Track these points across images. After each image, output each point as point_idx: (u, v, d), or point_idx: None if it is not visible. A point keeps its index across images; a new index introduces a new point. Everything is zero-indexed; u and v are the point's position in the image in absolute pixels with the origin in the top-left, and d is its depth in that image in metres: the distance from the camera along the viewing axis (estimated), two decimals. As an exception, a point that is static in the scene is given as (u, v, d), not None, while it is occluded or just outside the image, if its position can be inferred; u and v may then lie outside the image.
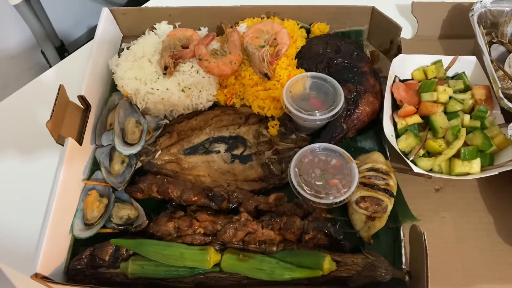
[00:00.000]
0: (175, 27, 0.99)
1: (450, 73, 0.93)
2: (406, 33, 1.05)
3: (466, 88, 0.89)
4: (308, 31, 1.00)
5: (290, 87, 0.85)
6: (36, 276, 0.66)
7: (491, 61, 0.88)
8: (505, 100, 0.82)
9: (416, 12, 1.05)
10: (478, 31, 0.91)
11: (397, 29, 0.92)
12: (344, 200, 0.73)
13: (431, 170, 0.81)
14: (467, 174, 0.79)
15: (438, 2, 1.03)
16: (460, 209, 0.81)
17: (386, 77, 0.89)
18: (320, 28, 0.99)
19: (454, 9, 1.01)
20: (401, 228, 0.77)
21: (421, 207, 0.80)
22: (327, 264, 0.69)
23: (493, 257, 0.77)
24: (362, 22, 1.00)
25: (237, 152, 0.85)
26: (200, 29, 0.99)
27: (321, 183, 0.75)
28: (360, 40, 1.01)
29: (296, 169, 0.76)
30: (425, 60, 0.93)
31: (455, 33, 1.01)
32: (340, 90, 0.84)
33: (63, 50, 1.92)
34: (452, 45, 1.01)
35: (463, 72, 0.92)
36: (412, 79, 0.93)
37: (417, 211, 0.79)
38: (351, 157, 0.77)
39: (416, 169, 0.78)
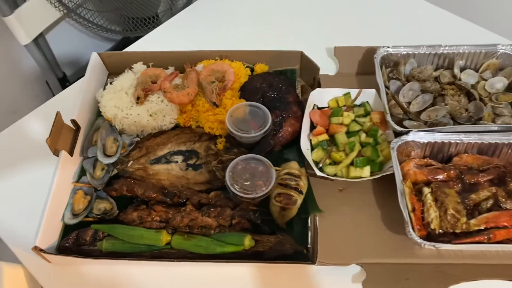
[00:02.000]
0: (148, 66, 1.27)
1: (358, 101, 1.20)
2: (331, 70, 1.33)
3: (366, 114, 1.15)
4: (252, 70, 1.28)
5: (232, 113, 1.12)
6: (35, 248, 0.92)
7: (386, 93, 1.16)
8: (391, 123, 1.08)
9: (337, 55, 1.33)
10: (378, 70, 1.18)
11: (317, 69, 1.20)
12: (263, 195, 0.99)
13: (335, 175, 1.07)
14: (360, 177, 1.05)
15: (355, 47, 1.31)
16: (357, 204, 1.05)
17: (310, 105, 1.17)
18: (261, 68, 1.26)
19: (367, 52, 1.29)
20: (310, 218, 1.03)
21: (327, 203, 1.04)
22: (247, 241, 0.94)
23: (379, 240, 0.99)
24: (295, 62, 1.28)
25: (191, 162, 1.11)
26: (168, 68, 1.27)
27: (248, 183, 1.02)
28: (294, 76, 1.29)
29: (230, 173, 1.02)
30: (338, 92, 1.20)
31: (368, 70, 1.27)
32: (269, 115, 1.11)
33: (65, 80, 2.22)
34: (366, 80, 1.28)
35: (367, 101, 1.19)
36: (328, 107, 1.20)
37: (324, 206, 1.03)
38: (271, 165, 1.03)
39: (318, 173, 1.04)
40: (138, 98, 1.15)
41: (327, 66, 1.32)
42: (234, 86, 1.20)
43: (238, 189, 0.99)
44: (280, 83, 1.20)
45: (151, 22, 1.92)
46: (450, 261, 0.97)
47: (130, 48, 1.42)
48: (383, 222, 1.03)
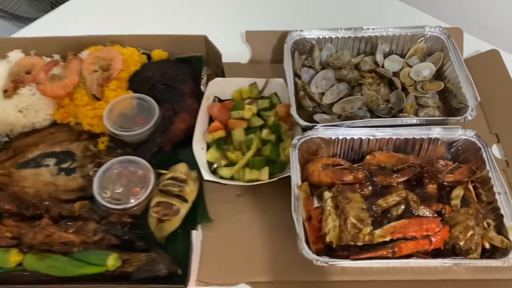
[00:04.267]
0: (29, 55, 1.10)
1: (266, 93, 1.05)
2: (243, 58, 1.18)
3: (272, 107, 1.01)
4: (149, 57, 1.12)
5: (113, 107, 0.97)
6: None
7: (295, 83, 1.01)
8: (295, 117, 0.93)
9: (249, 40, 1.18)
10: (288, 57, 1.03)
11: (218, 56, 1.05)
12: (135, 205, 0.84)
13: (232, 178, 0.93)
14: (257, 180, 0.91)
15: (269, 31, 1.15)
16: (254, 211, 0.91)
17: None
18: (158, 55, 1.10)
19: (282, 36, 1.13)
20: (199, 228, 0.88)
21: (221, 210, 0.91)
22: (111, 261, 0.79)
23: (274, 254, 0.85)
24: (200, 49, 1.12)
25: (64, 165, 0.95)
26: (52, 56, 1.10)
27: (121, 190, 0.86)
28: (200, 65, 1.13)
29: (99, 179, 0.87)
30: (243, 82, 1.05)
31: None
32: (155, 109, 0.96)
33: None
34: (281, 68, 1.13)
35: (275, 93, 1.04)
36: (232, 99, 1.05)
37: (218, 214, 0.90)
38: (150, 168, 0.88)
39: (206, 177, 0.89)
40: (5, 91, 0.98)
41: (238, 53, 1.17)
42: (122, 75, 1.04)
43: (106, 199, 0.84)
44: (175, 72, 1.04)
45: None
46: (354, 277, 0.83)
47: (17, 34, 1.24)
48: (280, 233, 0.88)
